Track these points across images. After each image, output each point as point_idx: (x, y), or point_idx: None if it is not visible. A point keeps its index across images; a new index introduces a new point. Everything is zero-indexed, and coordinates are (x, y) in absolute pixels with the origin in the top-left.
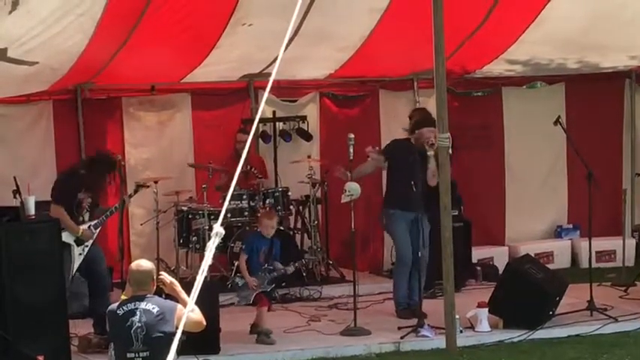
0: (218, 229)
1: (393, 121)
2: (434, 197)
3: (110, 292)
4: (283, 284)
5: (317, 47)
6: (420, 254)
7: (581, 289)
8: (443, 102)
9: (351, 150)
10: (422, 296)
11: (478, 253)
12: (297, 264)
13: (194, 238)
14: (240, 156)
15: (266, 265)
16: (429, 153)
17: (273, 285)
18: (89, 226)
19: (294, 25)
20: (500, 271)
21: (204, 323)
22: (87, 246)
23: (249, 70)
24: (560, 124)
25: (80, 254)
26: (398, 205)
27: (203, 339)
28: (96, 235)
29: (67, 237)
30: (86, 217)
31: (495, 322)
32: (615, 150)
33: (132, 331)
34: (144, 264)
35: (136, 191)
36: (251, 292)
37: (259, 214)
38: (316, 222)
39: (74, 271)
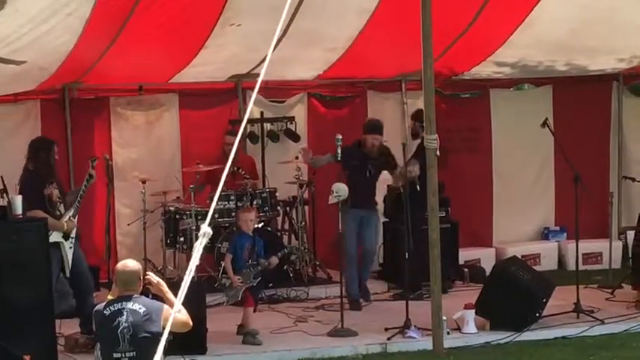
0: (206, 229)
1: None
2: (418, 198)
3: (97, 291)
4: (270, 285)
5: (305, 48)
6: (366, 250)
7: (567, 291)
8: (431, 103)
9: (339, 151)
10: (363, 287)
11: (465, 255)
12: (279, 254)
13: (181, 239)
14: (228, 157)
15: (250, 261)
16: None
17: (259, 279)
18: (69, 217)
19: (282, 26)
20: (488, 273)
21: (191, 323)
22: (73, 237)
23: (237, 71)
24: (548, 126)
25: (70, 247)
26: (349, 202)
27: (190, 339)
28: (76, 222)
29: (55, 236)
30: (62, 208)
31: (482, 323)
32: (602, 152)
33: (118, 332)
34: (130, 264)
35: (93, 167)
36: (237, 290)
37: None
38: (303, 223)
39: (69, 265)
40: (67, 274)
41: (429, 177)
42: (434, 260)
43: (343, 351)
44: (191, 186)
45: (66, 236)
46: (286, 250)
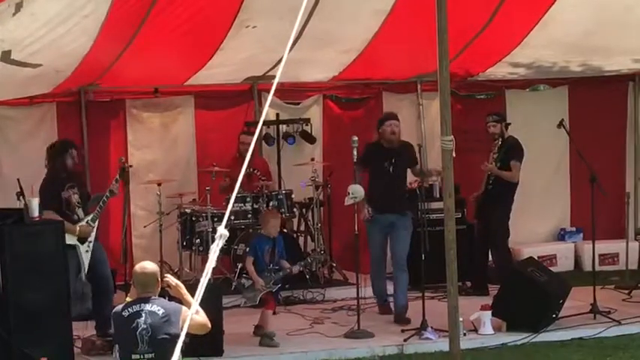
0: (222, 231)
1: None
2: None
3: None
4: (287, 286)
5: (321, 50)
6: (395, 258)
7: (584, 292)
8: (447, 105)
9: (355, 152)
10: (407, 299)
11: None
12: (302, 263)
13: (197, 241)
14: (243, 157)
15: (271, 265)
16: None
17: (279, 285)
18: (86, 222)
19: (297, 28)
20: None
21: (210, 326)
22: (90, 242)
23: (252, 73)
24: (564, 126)
25: (87, 251)
26: (374, 208)
27: (207, 341)
28: (95, 228)
29: (69, 238)
30: (80, 213)
31: (499, 324)
32: (618, 153)
33: (137, 333)
34: (148, 266)
35: (121, 175)
36: (257, 293)
37: (263, 213)
38: (319, 224)
39: (86, 269)
40: (84, 278)
41: (444, 179)
42: (450, 261)
43: (360, 352)
44: (207, 188)
45: (81, 240)
46: (309, 260)
